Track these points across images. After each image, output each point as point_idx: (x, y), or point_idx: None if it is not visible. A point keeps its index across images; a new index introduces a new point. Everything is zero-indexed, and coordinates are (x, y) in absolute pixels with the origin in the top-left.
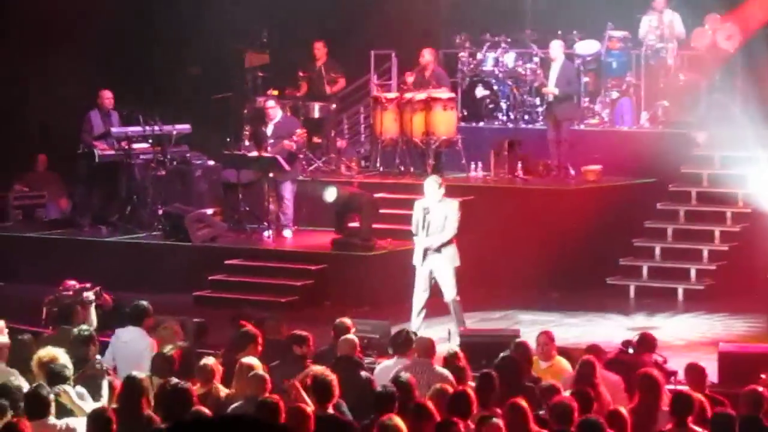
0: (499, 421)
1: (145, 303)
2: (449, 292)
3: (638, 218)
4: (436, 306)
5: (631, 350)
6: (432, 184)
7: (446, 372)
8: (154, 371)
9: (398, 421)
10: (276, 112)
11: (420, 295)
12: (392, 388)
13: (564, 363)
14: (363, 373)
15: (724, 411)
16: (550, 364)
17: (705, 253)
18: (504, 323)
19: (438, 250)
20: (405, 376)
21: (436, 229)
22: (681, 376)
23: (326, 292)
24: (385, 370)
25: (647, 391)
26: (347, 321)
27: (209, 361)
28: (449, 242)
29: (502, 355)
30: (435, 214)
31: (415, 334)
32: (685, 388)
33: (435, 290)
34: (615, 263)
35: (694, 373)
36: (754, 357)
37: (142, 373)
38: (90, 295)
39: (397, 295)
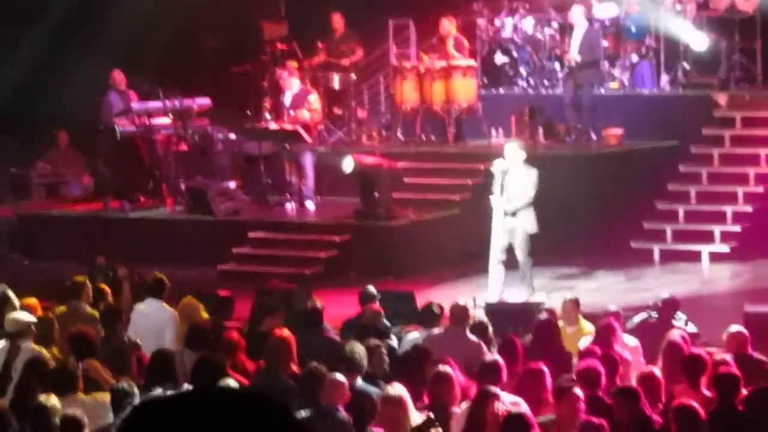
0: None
1: (161, 275)
2: (521, 255)
3: (661, 181)
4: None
5: (655, 313)
6: (513, 148)
7: (478, 341)
8: (189, 344)
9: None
10: (291, 83)
11: (497, 255)
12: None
13: (589, 328)
14: (387, 342)
15: (728, 371)
16: (575, 329)
17: (729, 215)
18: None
19: (513, 214)
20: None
21: (511, 193)
22: (703, 337)
23: (350, 263)
24: (410, 342)
25: (672, 355)
26: (372, 289)
27: (232, 334)
28: (524, 208)
29: (538, 318)
30: (513, 178)
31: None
32: (702, 350)
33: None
34: (639, 227)
35: (737, 338)
36: None
37: (170, 347)
38: (123, 271)
39: (422, 264)
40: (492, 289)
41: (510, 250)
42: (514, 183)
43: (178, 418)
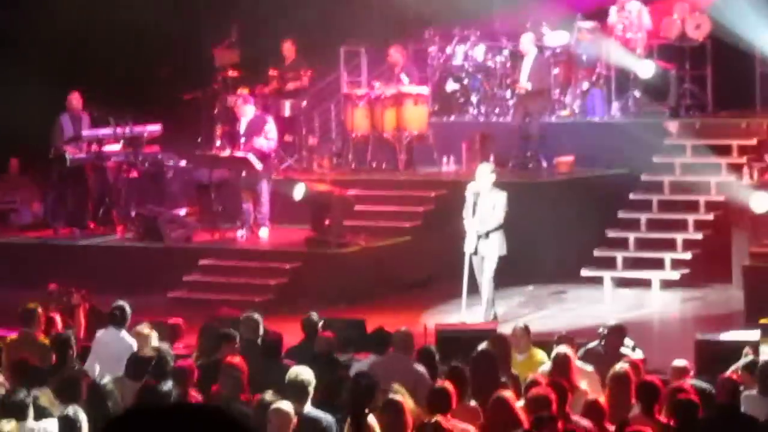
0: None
1: (124, 304)
2: (486, 277)
3: (612, 209)
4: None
5: (602, 341)
6: (485, 170)
7: (422, 368)
8: (128, 374)
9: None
10: (246, 110)
11: (468, 280)
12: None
13: (540, 355)
14: (340, 371)
15: (687, 397)
16: (526, 356)
17: (679, 242)
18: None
19: (486, 236)
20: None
21: (483, 215)
22: (653, 364)
23: (301, 290)
24: (360, 368)
25: (619, 386)
26: (315, 316)
27: (184, 363)
28: (496, 230)
29: (478, 349)
30: (484, 201)
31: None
32: (653, 377)
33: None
34: (589, 254)
35: (680, 371)
36: (730, 345)
37: (106, 377)
38: (77, 298)
39: (373, 291)
40: (465, 309)
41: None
42: (485, 205)
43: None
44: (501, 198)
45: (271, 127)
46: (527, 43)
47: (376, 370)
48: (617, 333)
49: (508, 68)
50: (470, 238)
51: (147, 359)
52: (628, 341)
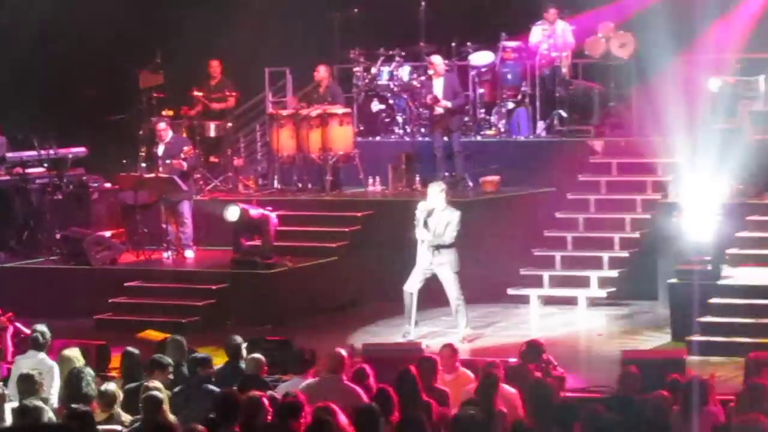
0: None
1: (44, 327)
2: (453, 296)
3: (538, 228)
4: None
5: (519, 358)
6: (435, 190)
7: (355, 387)
8: (20, 394)
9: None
10: (166, 133)
11: (413, 288)
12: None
13: (468, 375)
14: (269, 393)
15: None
16: (453, 376)
17: (605, 260)
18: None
19: (438, 250)
20: (291, 392)
21: (435, 234)
22: (579, 382)
23: (228, 311)
24: (284, 389)
25: (538, 402)
26: (237, 338)
27: (110, 386)
28: (449, 247)
29: (402, 369)
30: (437, 219)
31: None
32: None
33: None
34: (516, 273)
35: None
36: (657, 363)
37: (35, 401)
38: (2, 320)
39: (300, 312)
40: (409, 320)
41: (425, 286)
42: (438, 224)
43: None
44: (455, 216)
45: (188, 149)
46: (439, 63)
47: (310, 392)
48: (534, 350)
49: (418, 88)
50: (423, 251)
51: (35, 378)
52: (548, 359)
